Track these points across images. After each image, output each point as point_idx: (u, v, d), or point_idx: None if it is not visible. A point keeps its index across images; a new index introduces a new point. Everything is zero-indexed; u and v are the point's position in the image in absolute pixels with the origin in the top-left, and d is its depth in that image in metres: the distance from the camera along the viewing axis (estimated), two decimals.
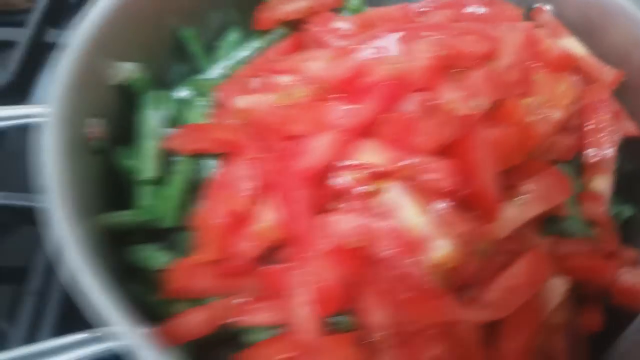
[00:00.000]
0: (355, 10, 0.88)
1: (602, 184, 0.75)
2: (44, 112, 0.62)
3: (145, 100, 0.76)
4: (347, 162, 0.60)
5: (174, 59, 0.84)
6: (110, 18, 0.71)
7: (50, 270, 0.82)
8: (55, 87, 0.64)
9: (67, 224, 0.56)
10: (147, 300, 0.67)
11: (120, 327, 0.52)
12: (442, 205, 0.60)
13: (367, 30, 0.74)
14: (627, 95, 0.78)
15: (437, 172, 0.59)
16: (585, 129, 0.72)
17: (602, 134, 0.72)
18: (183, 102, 0.79)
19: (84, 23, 0.69)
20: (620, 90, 0.77)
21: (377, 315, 0.60)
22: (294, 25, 0.84)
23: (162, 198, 0.70)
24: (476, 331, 0.62)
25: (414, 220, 0.59)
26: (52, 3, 1.14)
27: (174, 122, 0.77)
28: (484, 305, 0.62)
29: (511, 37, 0.68)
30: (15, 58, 1.04)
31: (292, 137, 0.65)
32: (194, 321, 0.61)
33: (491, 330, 0.63)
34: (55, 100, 0.63)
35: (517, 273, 0.62)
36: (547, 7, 0.83)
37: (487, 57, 0.66)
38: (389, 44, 0.65)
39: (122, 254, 0.70)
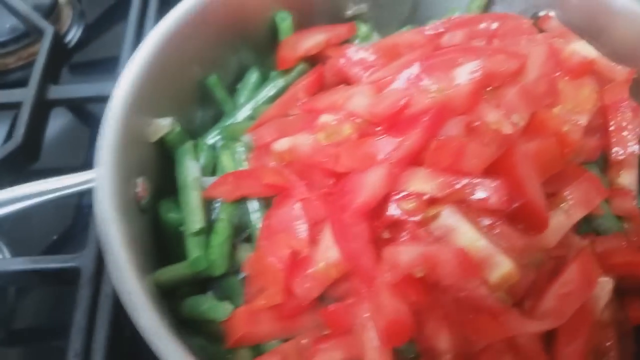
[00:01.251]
0: (365, 38, 0.89)
1: (629, 179, 0.75)
2: (97, 175, 0.62)
3: (182, 152, 0.75)
4: (400, 193, 0.61)
5: (199, 107, 0.84)
6: (143, 77, 0.70)
7: (90, 329, 0.82)
8: (103, 150, 0.63)
9: (135, 280, 0.57)
10: (211, 351, 0.67)
11: None
12: (495, 222, 0.61)
13: (392, 58, 0.76)
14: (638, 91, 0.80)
15: (489, 191, 0.60)
16: (610, 129, 0.74)
17: (625, 132, 0.74)
18: (216, 149, 0.80)
19: (120, 84, 0.69)
20: (632, 88, 0.79)
21: (442, 339, 0.60)
22: (311, 60, 0.86)
23: (210, 247, 0.71)
24: (538, 341, 0.63)
25: (473, 242, 0.60)
26: (50, 58, 1.13)
27: (210, 169, 0.78)
28: (542, 315, 0.63)
29: (536, 51, 0.70)
30: (22, 120, 1.03)
31: (340, 175, 0.66)
32: None
33: (547, 337, 0.64)
34: (106, 163, 0.63)
35: (570, 279, 0.62)
36: (552, 14, 0.86)
37: (517, 74, 0.68)
38: (426, 72, 0.67)
39: (177, 307, 0.70)
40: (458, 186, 0.61)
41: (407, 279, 0.59)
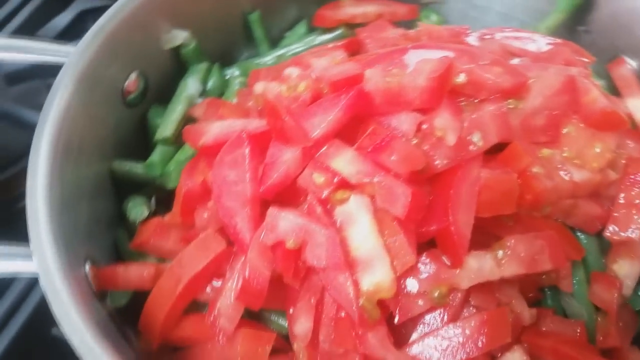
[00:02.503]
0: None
1: (627, 269, 0.62)
2: (71, 52, 0.66)
3: (192, 69, 0.78)
4: (318, 165, 0.58)
5: (245, 41, 0.86)
6: None
7: None
8: (92, 32, 0.67)
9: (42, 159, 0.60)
10: (125, 248, 0.70)
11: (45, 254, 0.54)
12: (399, 233, 0.55)
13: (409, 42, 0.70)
14: None
15: (397, 196, 0.54)
16: (618, 201, 0.62)
17: (634, 212, 0.61)
18: (229, 79, 0.81)
19: None
20: None
21: (300, 324, 0.56)
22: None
23: (173, 160, 0.73)
24: None
25: (364, 237, 0.55)
26: None
27: (218, 94, 0.79)
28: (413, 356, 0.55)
29: (545, 79, 0.60)
30: None
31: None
32: (134, 273, 0.61)
33: None
34: (87, 43, 0.66)
35: (460, 331, 0.54)
36: (631, 62, 0.72)
37: (510, 94, 0.59)
38: (409, 60, 0.61)
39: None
40: (375, 179, 0.55)
41: (278, 245, 0.56)
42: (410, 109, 0.58)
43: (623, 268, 0.63)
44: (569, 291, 0.62)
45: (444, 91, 0.57)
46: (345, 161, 0.57)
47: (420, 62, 0.57)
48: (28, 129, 0.87)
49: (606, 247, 0.65)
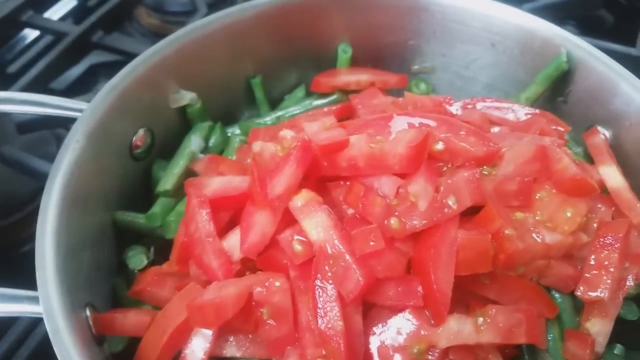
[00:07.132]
0: (422, 94, 0.89)
1: (598, 327, 0.65)
2: (84, 108, 0.71)
3: (196, 127, 0.83)
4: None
5: (247, 105, 0.92)
6: (181, 49, 0.78)
7: None
8: (104, 90, 0.72)
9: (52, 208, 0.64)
10: (122, 294, 0.72)
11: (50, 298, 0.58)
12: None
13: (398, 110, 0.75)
14: None
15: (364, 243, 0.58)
16: (589, 262, 0.65)
17: (603, 273, 0.64)
18: (230, 137, 0.86)
19: (156, 46, 0.77)
20: None
21: None
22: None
23: (173, 212, 0.77)
24: None
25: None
26: None
27: (219, 151, 0.84)
28: None
29: (518, 148, 0.64)
30: None
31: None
32: (131, 320, 0.64)
33: None
34: (100, 100, 0.71)
35: None
36: (605, 131, 0.77)
37: (483, 161, 0.63)
38: (394, 126, 0.66)
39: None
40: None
41: None
42: (390, 172, 0.62)
43: (595, 326, 0.66)
44: (544, 348, 0.64)
45: (422, 158, 0.61)
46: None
47: (400, 132, 0.62)
48: (35, 177, 0.94)
49: (580, 306, 0.68)
